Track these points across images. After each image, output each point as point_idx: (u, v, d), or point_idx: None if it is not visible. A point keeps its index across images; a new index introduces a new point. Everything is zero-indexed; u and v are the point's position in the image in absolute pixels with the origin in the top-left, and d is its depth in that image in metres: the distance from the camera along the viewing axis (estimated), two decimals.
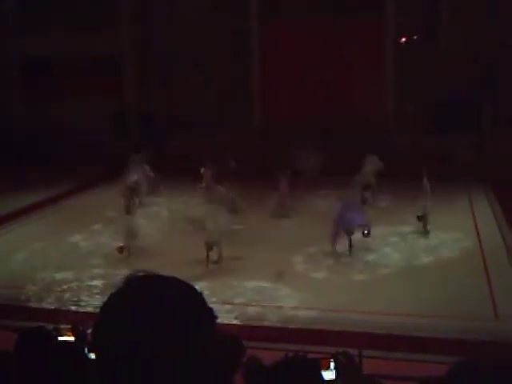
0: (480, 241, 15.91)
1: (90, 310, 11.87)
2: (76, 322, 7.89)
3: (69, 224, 17.80)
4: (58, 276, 14.15)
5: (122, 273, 12.92)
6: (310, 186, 19.23)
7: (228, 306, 12.20)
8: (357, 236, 15.11)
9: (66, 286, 13.58)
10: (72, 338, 6.51)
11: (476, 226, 17.17)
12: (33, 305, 12.72)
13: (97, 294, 12.97)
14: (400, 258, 14.88)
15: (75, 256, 15.44)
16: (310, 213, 17.76)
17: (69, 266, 14.66)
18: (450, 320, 11.51)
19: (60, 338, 6.03)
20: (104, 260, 15.09)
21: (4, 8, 27.03)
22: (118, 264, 14.47)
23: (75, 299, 12.91)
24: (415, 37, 25.44)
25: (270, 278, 13.55)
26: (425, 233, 16.08)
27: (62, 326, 7.61)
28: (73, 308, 12.43)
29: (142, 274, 1.48)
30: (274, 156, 21.53)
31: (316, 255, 15.01)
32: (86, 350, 4.05)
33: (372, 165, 18.56)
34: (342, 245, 15.00)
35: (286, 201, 17.89)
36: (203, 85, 25.98)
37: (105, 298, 1.49)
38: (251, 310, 12.28)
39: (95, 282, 13.72)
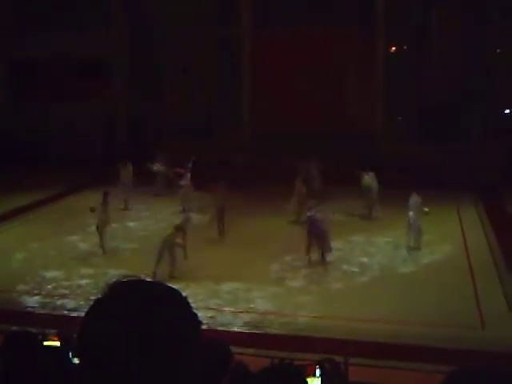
0: (467, 250, 15.96)
1: (77, 313, 11.82)
2: (62, 326, 7.85)
3: (64, 225, 17.83)
4: (48, 275, 14.22)
5: (112, 274, 13.08)
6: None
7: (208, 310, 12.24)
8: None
9: (55, 284, 13.66)
10: (57, 343, 6.47)
11: (463, 234, 17.23)
12: (19, 308, 12.67)
13: (85, 294, 13.00)
14: (387, 266, 14.90)
15: (70, 256, 15.50)
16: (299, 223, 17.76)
17: (61, 266, 14.75)
18: (437, 328, 11.52)
19: (45, 343, 5.99)
20: (97, 261, 15.16)
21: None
22: (108, 266, 14.59)
23: (65, 301, 12.96)
24: (405, 47, 25.57)
25: (245, 283, 13.67)
26: (416, 248, 15.89)
27: (47, 331, 7.57)
28: (61, 312, 12.37)
29: (127, 278, 1.49)
30: (264, 161, 21.60)
31: (294, 263, 15.07)
32: (71, 354, 4.03)
33: (370, 182, 18.41)
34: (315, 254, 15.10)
35: (303, 205, 17.79)
36: (194, 88, 26.00)
37: (92, 302, 1.49)
38: (226, 314, 12.39)
39: (85, 282, 13.81)
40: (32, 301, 13.01)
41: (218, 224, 16.97)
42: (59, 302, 12.91)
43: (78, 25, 25.98)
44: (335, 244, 15.40)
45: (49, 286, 13.65)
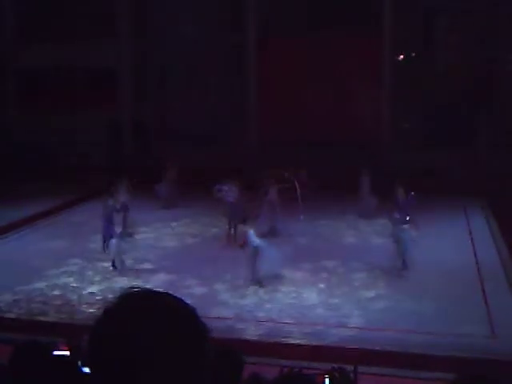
0: (476, 257, 15.88)
1: (85, 323, 11.85)
2: (71, 335, 7.86)
3: (65, 235, 17.89)
4: (55, 287, 14.31)
5: (117, 286, 13.14)
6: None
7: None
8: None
9: (60, 298, 13.68)
10: (67, 353, 6.48)
11: (472, 241, 17.15)
12: (28, 317, 12.70)
13: (92, 305, 13.05)
14: (394, 274, 14.77)
15: (71, 268, 15.54)
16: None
17: (65, 279, 14.79)
18: (446, 337, 11.47)
19: (55, 352, 6.00)
20: (100, 274, 15.17)
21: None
22: (113, 278, 14.69)
23: (71, 311, 12.99)
24: (413, 54, 25.56)
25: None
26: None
27: (57, 340, 7.59)
28: (68, 321, 12.40)
29: (136, 289, 1.50)
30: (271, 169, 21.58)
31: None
32: (81, 363, 4.04)
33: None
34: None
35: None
36: (200, 98, 26.07)
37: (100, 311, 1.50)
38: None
39: (90, 294, 13.87)
40: (38, 314, 13.01)
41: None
42: (66, 314, 12.93)
43: (82, 35, 26.10)
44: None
45: (54, 299, 13.66)
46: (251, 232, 14.14)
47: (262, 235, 14.82)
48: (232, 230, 17.27)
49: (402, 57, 25.52)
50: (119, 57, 26.65)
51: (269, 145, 24.19)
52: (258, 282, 13.96)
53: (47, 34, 26.54)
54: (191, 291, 13.60)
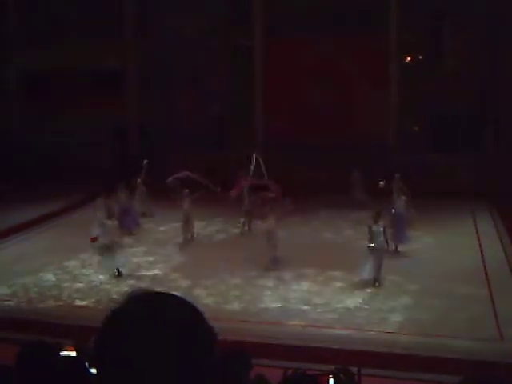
0: (484, 260, 15.82)
1: (91, 324, 11.86)
2: (78, 336, 7.89)
3: (67, 238, 17.94)
4: (59, 287, 14.48)
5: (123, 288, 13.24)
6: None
7: None
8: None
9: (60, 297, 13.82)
10: (74, 353, 6.49)
11: (479, 243, 17.08)
12: (35, 318, 12.76)
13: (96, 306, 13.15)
14: (402, 277, 14.77)
15: (72, 269, 15.70)
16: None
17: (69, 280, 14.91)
18: (453, 339, 11.42)
19: (62, 353, 6.02)
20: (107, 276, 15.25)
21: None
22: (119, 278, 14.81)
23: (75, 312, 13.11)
24: (420, 56, 25.49)
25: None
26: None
27: (64, 341, 7.61)
28: (74, 321, 12.45)
29: (143, 291, 1.52)
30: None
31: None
32: (88, 364, 4.05)
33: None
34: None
35: None
36: (204, 98, 26.07)
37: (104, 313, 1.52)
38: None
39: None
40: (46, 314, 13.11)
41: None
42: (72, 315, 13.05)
43: (85, 35, 26.13)
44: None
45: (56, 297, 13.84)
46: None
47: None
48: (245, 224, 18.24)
49: (408, 58, 25.45)
50: (123, 58, 26.63)
51: (273, 146, 24.19)
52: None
53: (49, 35, 26.59)
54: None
